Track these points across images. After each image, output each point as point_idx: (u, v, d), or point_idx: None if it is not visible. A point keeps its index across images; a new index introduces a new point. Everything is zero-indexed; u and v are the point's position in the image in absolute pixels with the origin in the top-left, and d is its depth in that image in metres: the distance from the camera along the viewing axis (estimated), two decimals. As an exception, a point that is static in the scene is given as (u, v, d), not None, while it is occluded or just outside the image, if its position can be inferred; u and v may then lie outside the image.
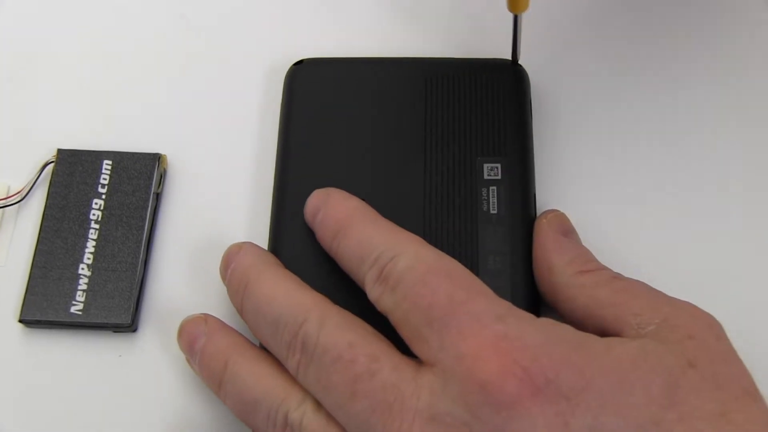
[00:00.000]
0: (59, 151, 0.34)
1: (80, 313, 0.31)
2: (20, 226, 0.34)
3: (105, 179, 0.34)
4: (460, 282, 0.26)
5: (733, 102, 0.35)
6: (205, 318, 0.30)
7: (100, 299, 0.32)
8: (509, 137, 0.32)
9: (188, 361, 0.30)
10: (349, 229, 0.29)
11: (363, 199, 0.31)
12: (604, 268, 0.29)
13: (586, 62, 0.36)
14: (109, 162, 0.34)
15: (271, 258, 0.30)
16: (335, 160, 0.33)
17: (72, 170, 0.34)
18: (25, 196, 0.34)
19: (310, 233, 0.31)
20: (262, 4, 0.38)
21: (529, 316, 0.26)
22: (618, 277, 0.29)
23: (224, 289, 0.31)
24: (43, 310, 0.32)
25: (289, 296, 0.28)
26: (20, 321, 0.32)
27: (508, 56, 0.34)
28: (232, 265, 0.30)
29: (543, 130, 0.34)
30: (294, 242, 0.31)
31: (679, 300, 0.27)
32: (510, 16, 0.32)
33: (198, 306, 0.32)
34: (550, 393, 0.23)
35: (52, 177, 0.34)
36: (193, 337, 0.30)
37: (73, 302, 0.32)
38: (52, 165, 0.34)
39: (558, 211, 0.32)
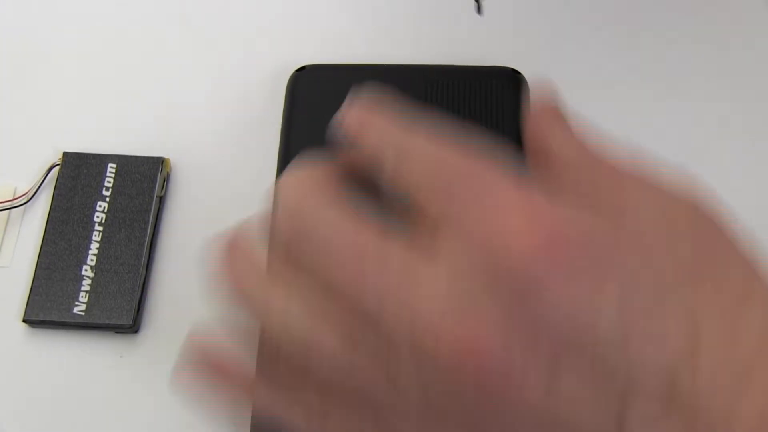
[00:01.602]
0: (65, 154, 0.35)
1: (83, 313, 0.32)
2: (25, 228, 0.34)
3: (109, 182, 0.34)
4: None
5: (734, 105, 0.35)
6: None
7: (103, 300, 0.32)
8: (508, 144, 0.32)
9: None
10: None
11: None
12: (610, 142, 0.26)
13: (585, 70, 0.36)
14: (114, 165, 0.35)
15: None
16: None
17: (77, 173, 0.34)
18: (31, 197, 0.35)
19: None
20: (265, 9, 0.39)
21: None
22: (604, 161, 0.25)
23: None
24: (46, 311, 0.32)
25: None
26: (24, 321, 0.32)
27: (508, 64, 0.34)
28: None
29: None
30: None
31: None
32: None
33: (199, 308, 0.33)
34: (579, 261, 0.20)
35: (57, 179, 0.34)
36: None
37: (76, 303, 0.32)
38: (57, 168, 0.35)
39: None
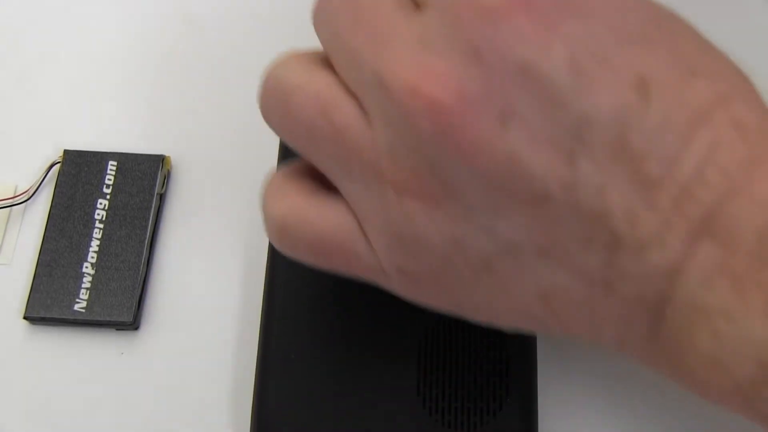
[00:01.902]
0: (65, 152, 0.35)
1: (84, 310, 0.32)
2: (26, 225, 0.34)
3: (110, 180, 0.34)
4: None
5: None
6: None
7: (104, 297, 0.32)
8: None
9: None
10: None
11: None
12: None
13: None
14: (114, 163, 0.35)
15: None
16: None
17: (78, 171, 0.35)
18: (31, 195, 0.35)
19: None
20: (267, 6, 0.39)
21: None
22: None
23: (227, 288, 0.32)
24: (47, 308, 0.32)
25: None
26: (25, 318, 0.32)
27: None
28: None
29: None
30: None
31: None
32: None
33: (199, 305, 0.33)
34: (540, 3, 0.21)
35: (58, 177, 0.34)
36: None
37: (77, 300, 0.32)
38: (58, 165, 0.35)
39: None
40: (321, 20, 0.25)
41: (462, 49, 0.21)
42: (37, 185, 0.35)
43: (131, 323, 0.32)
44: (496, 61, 0.21)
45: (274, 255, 0.32)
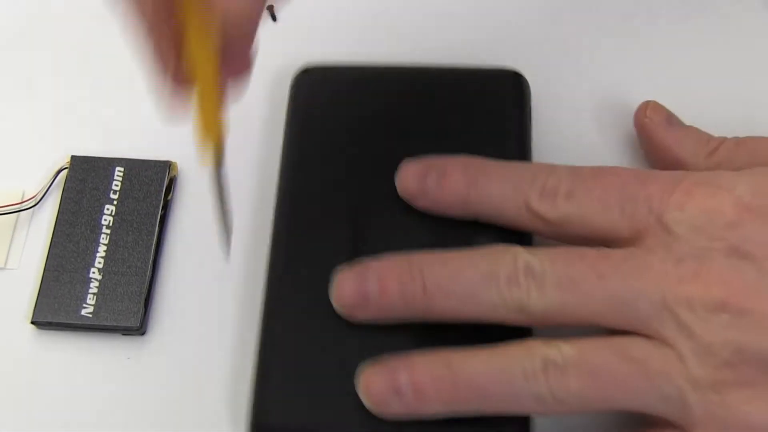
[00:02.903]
0: (73, 157, 0.35)
1: (90, 315, 0.32)
2: (34, 231, 0.35)
3: (117, 185, 0.35)
4: (626, 171, 0.30)
5: (736, 107, 0.35)
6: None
7: (110, 302, 0.32)
8: (509, 145, 0.33)
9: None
10: (486, 171, 0.31)
11: (367, 205, 0.31)
12: (724, 139, 0.32)
13: (587, 71, 0.37)
14: (121, 169, 0.35)
15: None
16: (340, 166, 0.33)
17: (85, 176, 0.35)
18: (39, 201, 0.35)
19: (313, 240, 0.31)
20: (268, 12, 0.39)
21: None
22: (741, 140, 0.31)
23: (232, 293, 0.32)
24: (54, 312, 0.32)
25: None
26: (32, 322, 0.32)
27: (511, 65, 0.34)
28: None
29: (543, 139, 0.35)
30: (298, 248, 0.32)
31: None
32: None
33: (205, 310, 0.33)
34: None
35: (65, 183, 0.35)
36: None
37: (84, 305, 0.32)
38: (65, 171, 0.35)
39: (650, 101, 0.34)
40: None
41: (723, 252, 0.27)
42: (45, 191, 0.35)
43: (138, 328, 0.32)
44: (758, 249, 0.27)
45: (274, 254, 0.32)
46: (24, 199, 0.35)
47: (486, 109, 0.33)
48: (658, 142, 0.33)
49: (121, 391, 0.32)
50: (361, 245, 0.31)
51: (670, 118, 0.33)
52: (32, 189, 0.35)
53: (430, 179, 0.31)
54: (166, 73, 0.26)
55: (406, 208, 0.32)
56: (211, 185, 0.28)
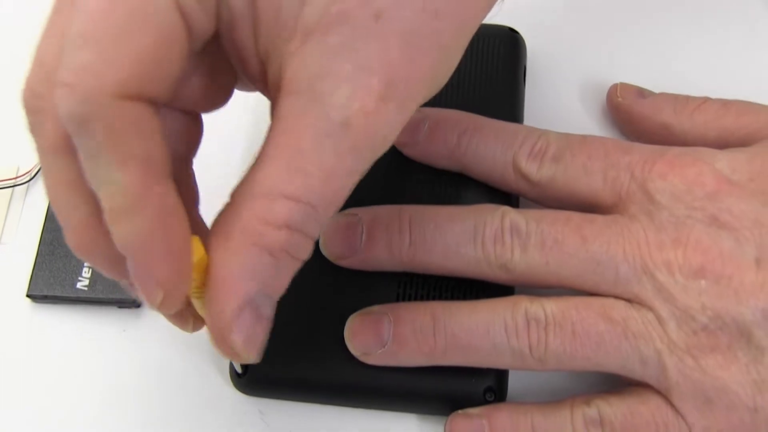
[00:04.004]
0: (66, 132, 0.35)
1: (86, 288, 0.32)
2: (28, 205, 0.35)
3: (111, 160, 0.35)
4: (612, 140, 0.30)
5: (731, 87, 0.35)
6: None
7: (106, 276, 0.33)
8: (501, 104, 0.33)
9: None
10: (478, 126, 0.31)
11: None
12: (705, 98, 0.32)
13: (584, 31, 0.37)
14: (115, 143, 0.35)
15: None
16: None
17: (79, 151, 0.35)
18: (34, 176, 0.35)
19: None
20: None
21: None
22: (726, 101, 0.32)
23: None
24: (50, 286, 0.33)
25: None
26: (28, 296, 0.33)
27: (506, 23, 0.34)
28: None
29: (536, 97, 0.35)
30: None
31: None
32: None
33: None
34: (744, 186, 0.28)
35: (59, 157, 0.35)
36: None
37: (80, 278, 0.33)
38: (59, 146, 0.35)
39: (619, 83, 0.34)
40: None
41: (703, 221, 0.27)
42: (39, 166, 0.35)
43: (133, 301, 0.32)
44: (735, 220, 0.27)
45: None
46: (18, 175, 0.35)
47: (480, 65, 0.33)
48: (637, 114, 0.33)
49: (116, 363, 0.32)
50: (352, 196, 0.31)
51: (642, 92, 0.34)
52: (27, 165, 0.35)
53: (421, 129, 0.31)
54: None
55: (398, 164, 0.32)
56: None
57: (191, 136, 0.25)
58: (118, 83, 0.19)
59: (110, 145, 0.20)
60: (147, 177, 0.20)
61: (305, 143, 0.21)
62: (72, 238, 0.23)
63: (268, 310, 0.22)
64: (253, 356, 0.22)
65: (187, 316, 0.25)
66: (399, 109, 0.21)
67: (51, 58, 0.21)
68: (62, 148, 0.21)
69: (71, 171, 0.21)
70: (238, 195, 0.22)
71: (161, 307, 0.22)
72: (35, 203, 0.35)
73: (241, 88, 0.26)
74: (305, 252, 0.22)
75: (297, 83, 0.21)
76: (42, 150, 0.22)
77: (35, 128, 0.22)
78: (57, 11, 0.22)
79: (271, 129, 0.22)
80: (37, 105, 0.22)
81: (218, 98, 0.25)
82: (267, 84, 0.22)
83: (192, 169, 0.25)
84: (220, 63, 0.23)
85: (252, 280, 0.21)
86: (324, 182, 0.21)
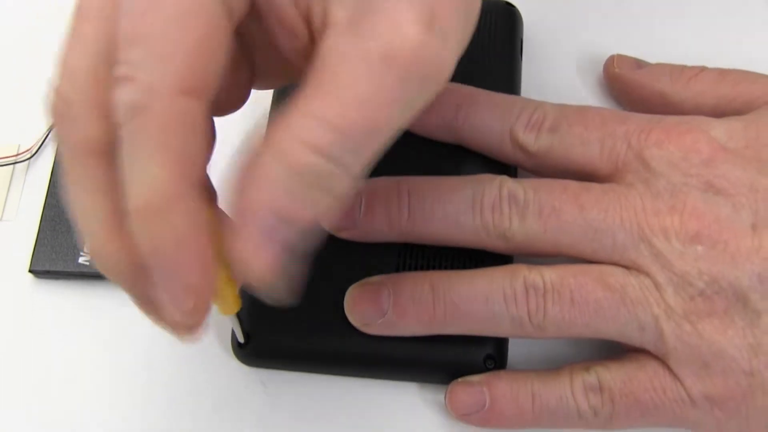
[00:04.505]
0: (67, 110, 0.35)
1: (87, 263, 0.33)
2: (30, 182, 0.35)
3: (111, 137, 0.35)
4: (608, 110, 0.30)
5: (728, 58, 0.35)
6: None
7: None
8: (498, 77, 0.33)
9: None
10: (475, 98, 0.31)
11: None
12: (702, 68, 0.32)
13: (580, 4, 0.37)
14: (115, 120, 0.35)
15: None
16: None
17: (79, 128, 0.35)
18: (34, 153, 0.35)
19: None
20: None
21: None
22: (723, 70, 0.32)
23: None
24: (52, 261, 0.33)
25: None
26: (30, 271, 0.33)
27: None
28: None
29: (533, 71, 0.35)
30: None
31: None
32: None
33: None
34: (740, 153, 0.28)
35: (60, 135, 0.35)
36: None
37: (81, 253, 0.33)
38: (60, 123, 0.35)
39: (615, 54, 0.35)
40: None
41: (699, 187, 0.27)
42: (40, 143, 0.35)
43: (134, 275, 0.33)
44: (731, 186, 0.27)
45: None
46: (20, 152, 0.35)
47: (477, 38, 0.33)
48: (634, 84, 0.34)
49: (118, 336, 0.32)
50: None
51: (639, 62, 0.34)
52: (28, 142, 0.36)
53: None
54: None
55: (395, 137, 0.32)
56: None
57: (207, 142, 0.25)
58: (178, 76, 0.19)
59: (157, 139, 0.19)
60: (185, 177, 0.20)
61: (344, 76, 0.20)
62: (94, 244, 0.22)
63: (290, 237, 0.21)
64: (262, 279, 0.21)
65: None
66: (442, 42, 0.21)
67: (81, 64, 0.21)
68: (92, 151, 0.21)
69: (98, 175, 0.21)
70: (273, 127, 0.21)
71: (188, 317, 0.21)
72: (36, 180, 0.35)
73: (259, 87, 0.26)
74: (340, 185, 0.21)
75: (337, 21, 0.21)
76: (71, 154, 0.22)
77: (64, 133, 0.22)
78: (82, 18, 0.22)
79: (311, 69, 0.21)
80: (67, 112, 0.21)
81: (237, 98, 0.25)
82: (313, 42, 0.22)
83: (208, 178, 0.25)
84: (239, 60, 0.23)
85: (269, 199, 0.20)
86: (361, 112, 0.20)
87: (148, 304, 0.22)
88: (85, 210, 0.22)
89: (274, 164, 0.20)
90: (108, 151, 0.21)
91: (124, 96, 0.20)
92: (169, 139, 0.19)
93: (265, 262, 0.20)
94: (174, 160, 0.20)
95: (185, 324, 0.22)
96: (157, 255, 0.20)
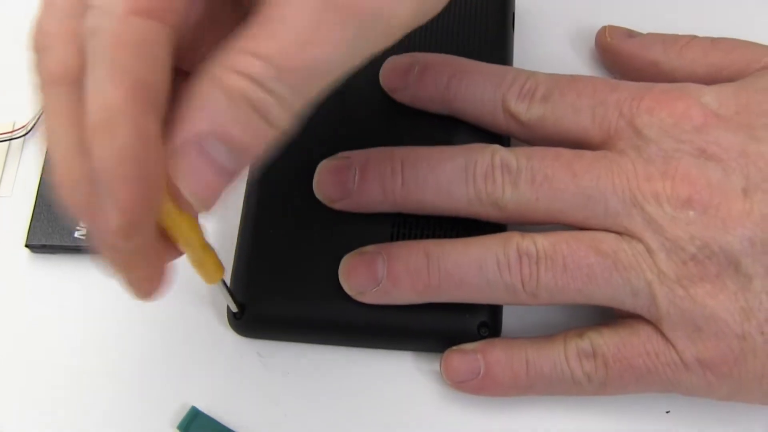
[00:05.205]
0: (62, 86, 0.36)
1: (83, 237, 0.33)
2: (25, 158, 0.35)
3: (106, 113, 0.35)
4: (600, 79, 0.31)
5: (719, 29, 0.35)
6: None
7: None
8: (490, 49, 0.33)
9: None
10: (468, 69, 0.31)
11: (351, 104, 0.32)
12: (693, 36, 0.32)
13: None
14: (110, 97, 0.35)
15: None
16: None
17: (74, 105, 0.35)
18: (30, 129, 0.35)
19: (298, 134, 0.32)
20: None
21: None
22: (715, 39, 0.32)
23: (220, 213, 0.32)
24: (48, 235, 0.33)
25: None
26: (26, 246, 0.33)
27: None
28: None
29: (525, 43, 0.35)
30: (282, 142, 0.32)
31: None
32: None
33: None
34: (731, 119, 0.28)
35: (55, 111, 0.35)
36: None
37: (77, 227, 0.33)
38: (55, 100, 0.35)
39: (607, 25, 0.35)
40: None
41: (690, 153, 0.28)
42: (35, 120, 0.35)
43: (130, 249, 0.33)
44: (723, 152, 0.27)
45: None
46: (15, 129, 0.35)
47: (469, 11, 0.34)
48: (626, 53, 0.34)
49: (114, 309, 0.32)
50: (344, 141, 0.31)
51: (631, 33, 0.34)
52: (23, 119, 0.36)
53: (411, 73, 0.32)
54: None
55: (389, 109, 0.32)
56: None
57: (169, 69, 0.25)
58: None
59: (110, 58, 0.20)
60: (134, 98, 0.20)
61: (284, 11, 0.20)
62: (57, 173, 0.22)
63: (226, 161, 0.21)
64: (202, 203, 0.21)
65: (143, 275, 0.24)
66: None
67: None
68: (63, 79, 0.21)
69: (69, 102, 0.21)
70: (210, 57, 0.21)
71: (116, 234, 0.21)
72: (32, 157, 0.35)
73: None
74: (275, 116, 0.21)
75: None
76: (44, 82, 0.22)
77: (40, 64, 0.22)
78: None
79: (254, 7, 0.21)
80: (45, 42, 0.22)
81: None
82: None
83: None
84: (227, 8, 0.23)
85: (202, 119, 0.20)
86: (297, 48, 0.20)
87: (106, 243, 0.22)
88: (53, 137, 0.22)
89: (209, 87, 0.21)
90: (80, 81, 0.21)
91: (87, 22, 0.20)
92: (119, 57, 0.20)
93: (203, 183, 0.21)
94: (123, 78, 0.20)
95: (117, 241, 0.21)
96: (97, 171, 0.20)
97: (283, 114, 0.21)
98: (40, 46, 0.22)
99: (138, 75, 0.20)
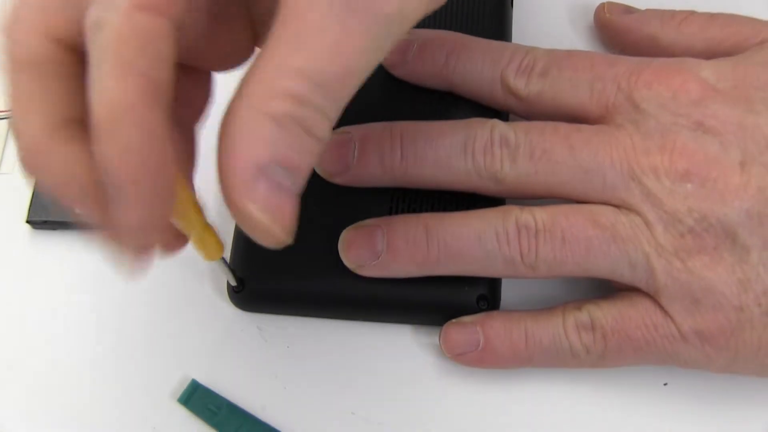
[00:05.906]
0: (62, 64, 0.36)
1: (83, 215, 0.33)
2: (26, 135, 0.35)
3: (106, 91, 0.35)
4: (598, 54, 0.31)
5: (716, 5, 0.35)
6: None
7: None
8: (488, 25, 0.33)
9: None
10: (467, 45, 0.32)
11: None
12: (691, 11, 0.33)
13: None
14: (110, 74, 0.35)
15: None
16: None
17: (75, 82, 0.35)
18: (30, 107, 0.35)
19: None
20: None
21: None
22: (713, 14, 0.32)
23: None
24: (48, 212, 0.33)
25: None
26: (27, 222, 0.33)
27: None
28: None
29: (524, 20, 0.35)
30: None
31: None
32: None
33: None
34: (728, 93, 0.28)
35: (55, 89, 0.35)
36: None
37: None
38: (55, 78, 0.35)
39: (604, 2, 0.35)
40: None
41: (688, 127, 0.28)
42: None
43: (131, 225, 0.33)
44: (720, 125, 0.27)
45: None
46: (16, 106, 0.36)
47: None
48: (625, 29, 0.34)
49: (114, 284, 0.33)
50: (344, 116, 0.31)
51: (629, 8, 0.35)
52: (23, 97, 0.36)
53: (410, 49, 0.32)
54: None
55: (388, 85, 0.32)
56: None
57: (200, 98, 0.25)
58: None
59: (115, 53, 0.20)
60: (140, 94, 0.20)
61: (311, 22, 0.21)
62: (25, 152, 0.22)
63: (289, 183, 0.21)
64: (279, 230, 0.21)
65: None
66: None
67: None
68: (28, 63, 0.21)
69: (35, 88, 0.21)
70: (244, 80, 0.21)
71: (134, 232, 0.21)
72: (33, 134, 0.35)
73: (261, 44, 0.26)
74: (320, 129, 0.21)
75: None
76: (12, 64, 0.22)
77: (9, 42, 0.22)
78: None
79: (278, 16, 0.21)
80: (12, 26, 0.22)
81: (236, 51, 0.25)
82: None
83: (195, 134, 0.25)
84: (233, 8, 0.24)
85: (260, 148, 0.21)
86: (331, 58, 0.21)
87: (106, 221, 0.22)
88: (19, 119, 0.22)
89: (256, 115, 0.21)
90: (46, 67, 0.21)
91: (90, 15, 0.20)
92: (123, 52, 0.20)
93: (283, 210, 0.21)
94: (127, 73, 0.20)
95: (132, 239, 0.21)
96: (105, 171, 0.20)
97: (326, 125, 0.21)
98: (8, 26, 0.22)
99: (144, 70, 0.20)
